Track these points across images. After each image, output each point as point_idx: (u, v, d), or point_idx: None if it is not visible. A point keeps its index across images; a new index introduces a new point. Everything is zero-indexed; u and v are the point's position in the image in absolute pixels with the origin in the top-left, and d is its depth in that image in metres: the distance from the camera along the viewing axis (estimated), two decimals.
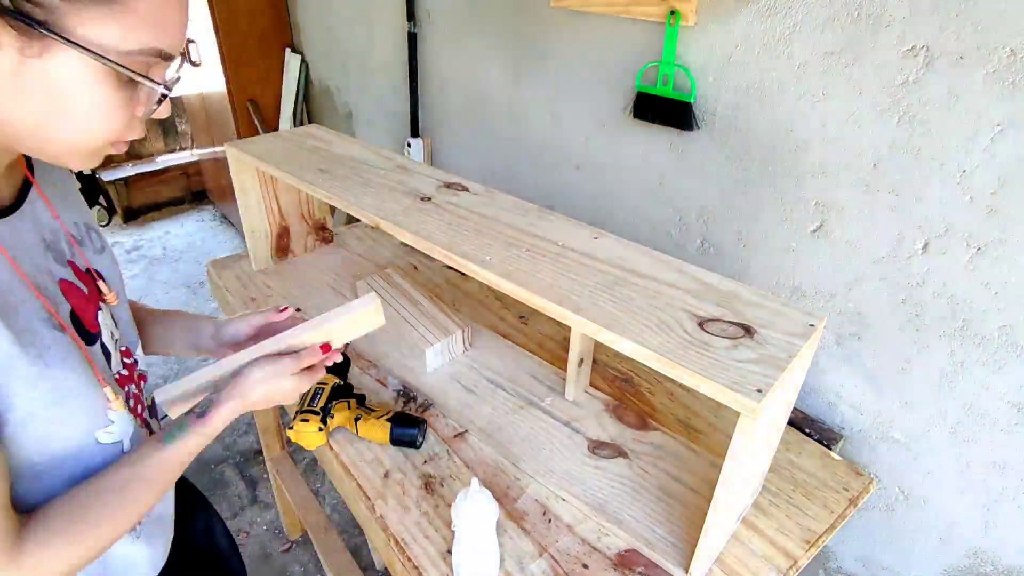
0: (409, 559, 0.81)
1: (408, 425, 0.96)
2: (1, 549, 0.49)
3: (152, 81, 0.50)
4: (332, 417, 0.98)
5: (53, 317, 0.56)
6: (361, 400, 1.03)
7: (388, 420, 0.96)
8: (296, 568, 1.80)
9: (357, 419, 0.97)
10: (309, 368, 0.73)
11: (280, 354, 0.71)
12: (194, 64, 0.56)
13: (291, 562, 1.81)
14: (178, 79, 0.54)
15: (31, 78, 0.46)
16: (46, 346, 0.53)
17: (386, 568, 1.71)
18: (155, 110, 0.54)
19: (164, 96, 0.53)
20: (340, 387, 1.01)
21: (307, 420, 0.95)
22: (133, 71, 0.48)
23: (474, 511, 0.72)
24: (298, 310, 0.85)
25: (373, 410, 0.99)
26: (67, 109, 0.48)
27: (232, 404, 0.66)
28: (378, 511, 0.88)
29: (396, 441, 0.96)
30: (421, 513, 0.87)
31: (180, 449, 0.62)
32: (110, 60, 0.46)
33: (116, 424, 0.62)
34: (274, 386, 0.68)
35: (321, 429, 0.95)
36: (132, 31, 0.47)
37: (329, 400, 0.98)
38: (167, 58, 0.51)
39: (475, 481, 0.72)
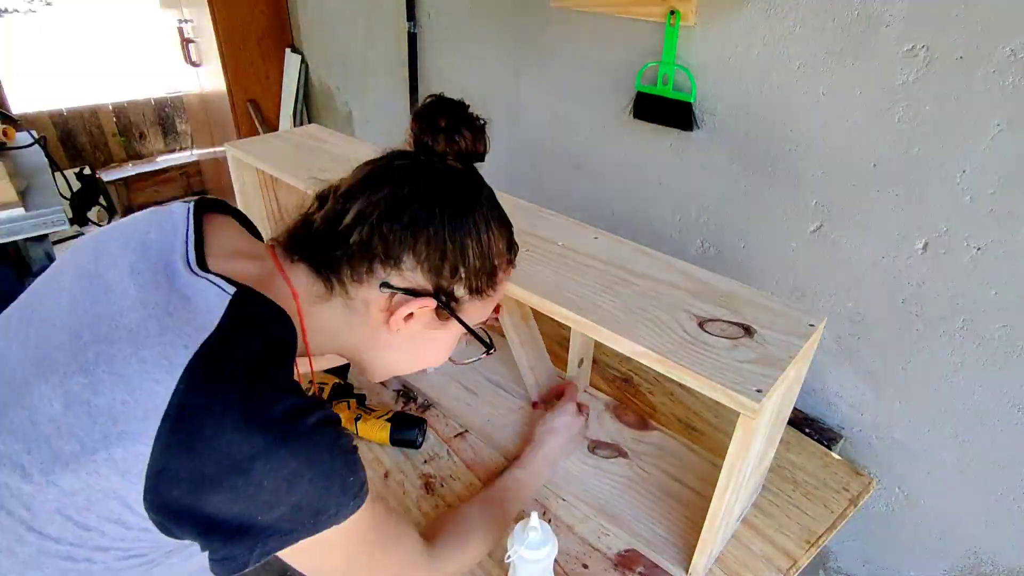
0: None
1: (408, 425, 0.96)
2: (420, 560, 0.66)
3: (487, 345, 0.71)
4: None
5: None
6: (361, 400, 1.03)
7: (388, 420, 0.96)
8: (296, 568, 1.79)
9: (357, 419, 0.97)
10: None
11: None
12: (491, 352, 0.74)
13: None
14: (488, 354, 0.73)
15: (426, 336, 0.65)
16: None
17: None
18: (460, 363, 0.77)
19: (492, 348, 0.72)
20: (340, 387, 1.01)
21: None
22: (486, 341, 0.70)
23: (533, 545, 0.70)
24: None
25: (373, 410, 0.99)
26: (426, 357, 0.70)
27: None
28: None
29: (396, 441, 0.96)
30: (421, 513, 0.87)
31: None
32: (473, 331, 0.66)
33: None
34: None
35: None
36: (489, 307, 0.68)
37: (329, 400, 0.98)
38: (484, 343, 0.71)
39: (534, 515, 0.70)
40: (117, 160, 3.80)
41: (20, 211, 1.58)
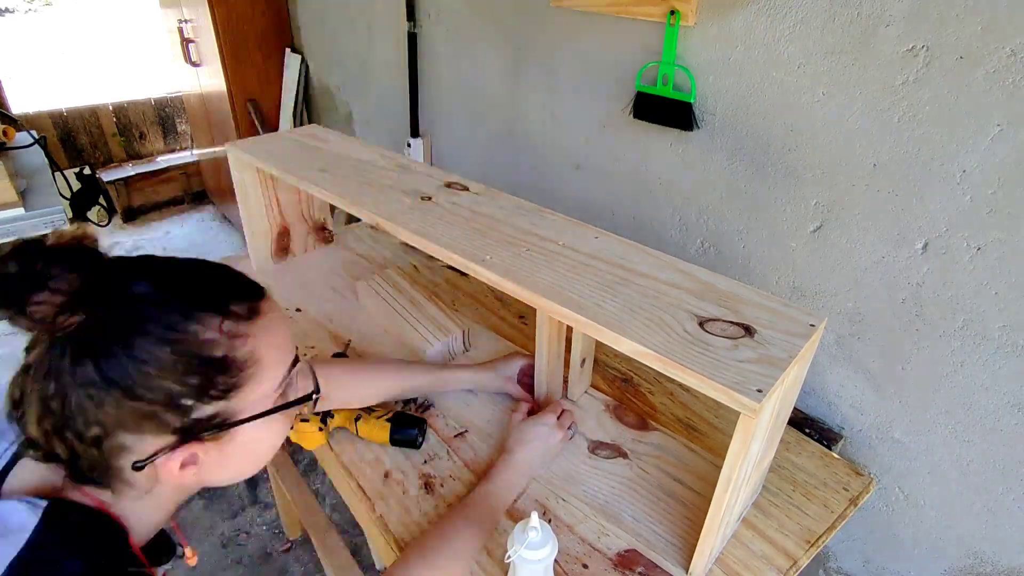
0: None
1: (408, 425, 0.96)
2: None
3: (307, 398, 0.63)
4: (332, 417, 0.98)
5: None
6: None
7: (388, 420, 0.96)
8: (296, 568, 1.80)
9: (357, 419, 0.97)
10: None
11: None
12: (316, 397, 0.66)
13: (291, 562, 1.81)
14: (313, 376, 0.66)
15: (230, 451, 0.56)
16: None
17: (386, 568, 1.70)
18: (314, 405, 0.66)
19: (317, 394, 0.65)
20: None
21: (307, 420, 0.95)
22: (291, 403, 0.61)
23: (533, 545, 0.69)
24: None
25: (373, 410, 0.99)
26: (259, 452, 0.61)
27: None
28: (378, 511, 0.88)
29: (396, 441, 0.96)
30: (421, 513, 0.87)
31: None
32: (273, 409, 0.58)
33: None
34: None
35: (321, 429, 0.95)
36: (271, 376, 0.57)
37: None
38: (295, 363, 0.62)
39: (534, 515, 0.70)
40: (117, 160, 3.80)
41: (20, 211, 1.58)
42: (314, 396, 0.64)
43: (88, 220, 2.23)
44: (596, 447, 0.97)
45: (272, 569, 1.79)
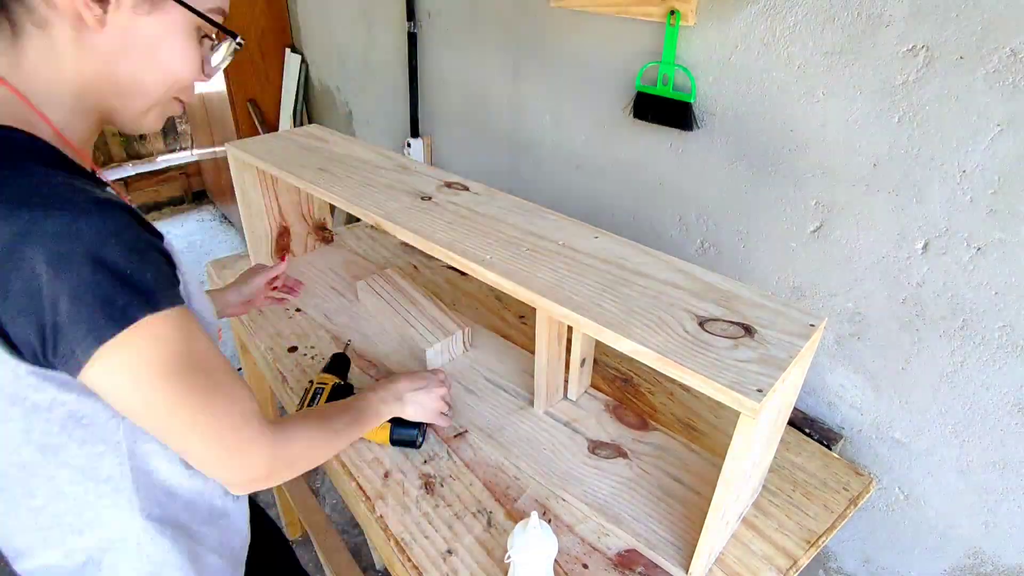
0: (409, 559, 0.81)
1: (408, 425, 0.96)
2: (260, 424, 0.60)
3: (228, 32, 0.64)
4: None
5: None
6: None
7: (388, 421, 0.96)
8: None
9: None
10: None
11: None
12: (239, 44, 0.68)
13: None
14: (239, 46, 0.67)
15: (135, 34, 0.57)
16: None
17: (386, 568, 1.70)
18: (213, 68, 0.66)
19: (239, 47, 0.66)
20: (340, 387, 1.01)
21: None
22: (215, 23, 0.62)
23: (533, 545, 0.69)
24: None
25: None
26: (159, 58, 0.59)
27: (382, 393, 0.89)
28: (378, 511, 0.88)
29: (396, 441, 0.96)
30: (421, 513, 0.87)
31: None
32: (201, 14, 0.59)
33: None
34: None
35: None
36: (203, 3, 0.60)
37: (329, 400, 0.98)
38: (220, 27, 0.64)
39: (534, 515, 0.70)
40: (117, 160, 3.80)
41: None
42: (237, 41, 0.66)
43: None
44: (596, 447, 0.97)
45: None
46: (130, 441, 0.60)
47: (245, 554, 0.80)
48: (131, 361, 0.51)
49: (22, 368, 0.51)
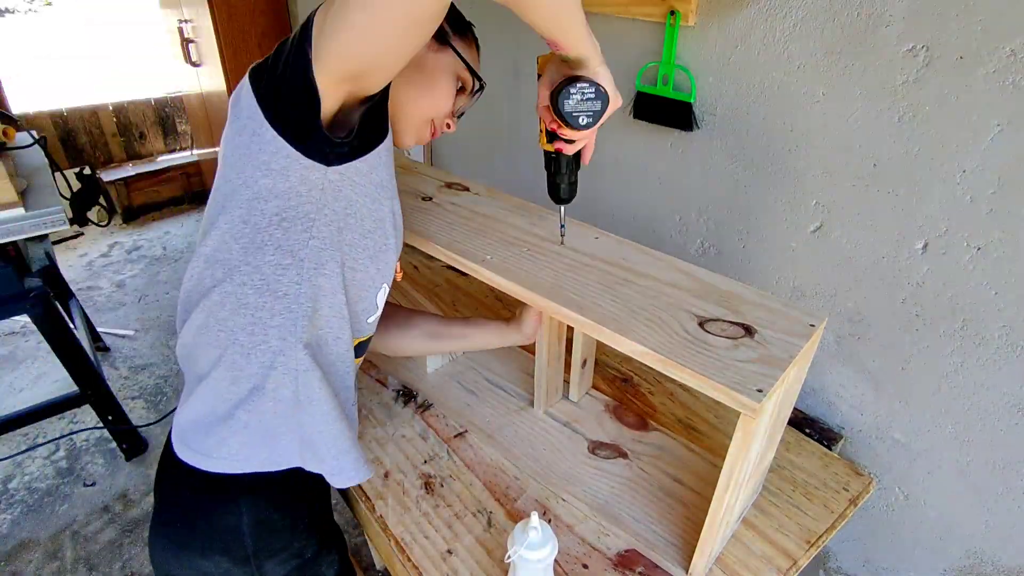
0: (409, 559, 0.81)
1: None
2: None
3: (477, 78, 0.81)
4: None
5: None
6: None
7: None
8: None
9: None
10: None
11: None
12: (482, 88, 0.85)
13: None
14: (481, 91, 0.84)
15: (423, 65, 0.75)
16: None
17: (386, 568, 1.70)
18: (460, 111, 0.85)
19: (479, 90, 0.84)
20: None
21: None
22: (475, 75, 0.80)
23: (533, 545, 0.70)
24: None
25: None
26: (432, 88, 0.77)
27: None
28: (378, 511, 0.88)
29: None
30: (421, 513, 0.87)
31: None
32: (469, 66, 0.79)
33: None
34: None
35: None
36: (473, 59, 0.80)
37: None
38: (476, 78, 0.82)
39: (534, 515, 0.70)
40: (117, 160, 3.80)
41: (20, 211, 1.57)
42: (478, 87, 0.83)
43: (88, 221, 2.23)
44: (596, 447, 0.97)
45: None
46: (311, 264, 0.67)
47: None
48: None
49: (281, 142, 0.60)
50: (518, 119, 1.56)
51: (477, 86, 0.82)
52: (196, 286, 0.71)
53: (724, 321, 0.69)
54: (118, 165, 3.76)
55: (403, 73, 0.67)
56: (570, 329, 0.98)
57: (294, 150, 0.60)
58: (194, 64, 2.93)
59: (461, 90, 0.82)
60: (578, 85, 0.68)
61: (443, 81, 0.78)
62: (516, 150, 1.61)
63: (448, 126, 0.83)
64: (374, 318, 0.81)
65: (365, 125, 0.65)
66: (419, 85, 0.76)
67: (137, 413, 2.16)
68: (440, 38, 0.76)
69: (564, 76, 0.70)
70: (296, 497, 0.80)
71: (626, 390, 1.11)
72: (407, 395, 1.08)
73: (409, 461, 0.95)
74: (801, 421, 1.08)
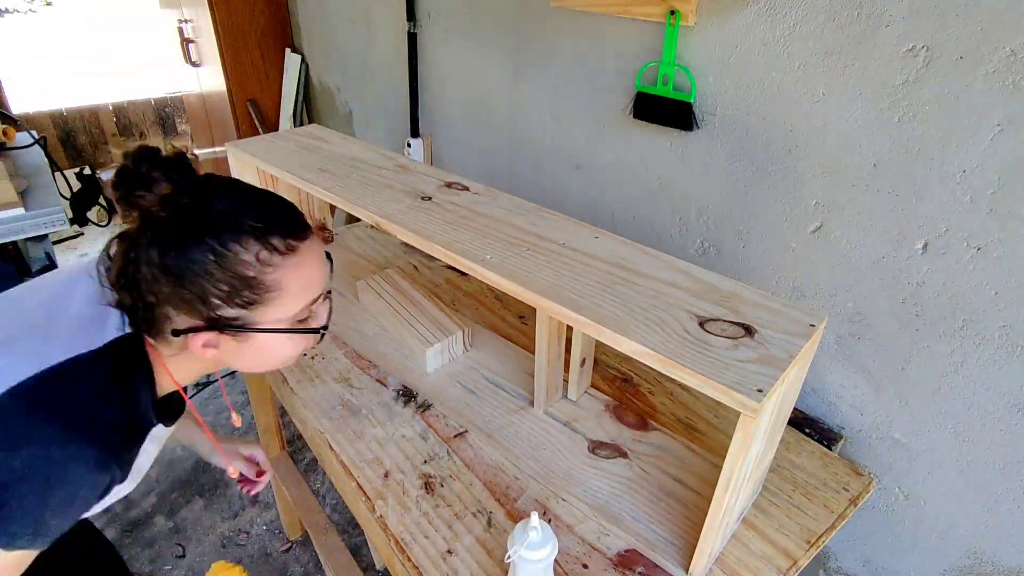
0: (409, 559, 0.81)
1: None
2: None
3: (315, 331, 0.75)
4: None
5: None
6: None
7: None
8: (296, 568, 1.80)
9: None
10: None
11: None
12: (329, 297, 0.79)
13: (291, 562, 1.81)
14: (329, 314, 0.79)
15: (244, 348, 0.71)
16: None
17: (386, 568, 1.70)
18: (319, 340, 0.79)
19: (323, 331, 0.77)
20: None
21: None
22: (302, 330, 0.73)
23: (533, 545, 0.69)
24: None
25: None
26: (270, 357, 0.74)
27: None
28: (378, 511, 0.88)
29: None
30: (421, 513, 0.87)
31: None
32: (285, 329, 0.71)
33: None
34: None
35: None
36: (294, 303, 0.70)
37: None
38: (324, 298, 0.76)
39: (534, 515, 0.70)
40: (117, 160, 3.79)
41: (20, 211, 1.58)
42: (321, 332, 0.76)
43: (88, 220, 2.23)
44: (596, 447, 0.97)
45: (272, 569, 1.79)
46: None
47: None
48: None
49: None
50: (518, 119, 1.56)
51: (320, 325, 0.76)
52: None
53: (724, 321, 0.69)
54: (118, 165, 3.76)
55: (232, 356, 0.72)
56: (570, 329, 0.98)
57: None
58: (194, 64, 2.94)
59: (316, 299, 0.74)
60: None
61: (277, 347, 0.73)
62: (516, 150, 1.61)
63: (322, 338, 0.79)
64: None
65: None
66: (254, 359, 0.74)
67: None
68: (230, 331, 0.69)
69: None
70: None
71: (626, 390, 1.11)
72: (407, 395, 1.08)
73: (409, 461, 0.95)
74: (801, 421, 1.08)
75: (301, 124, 2.86)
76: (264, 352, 0.72)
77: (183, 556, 1.79)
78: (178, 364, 0.74)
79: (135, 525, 1.85)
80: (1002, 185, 0.79)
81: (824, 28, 0.90)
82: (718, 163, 1.12)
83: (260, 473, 1.12)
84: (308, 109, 2.89)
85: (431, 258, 1.51)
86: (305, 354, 1.24)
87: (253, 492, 1.11)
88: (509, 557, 0.71)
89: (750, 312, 0.71)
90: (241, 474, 1.11)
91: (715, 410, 1.06)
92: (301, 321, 0.73)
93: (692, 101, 1.10)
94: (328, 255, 0.77)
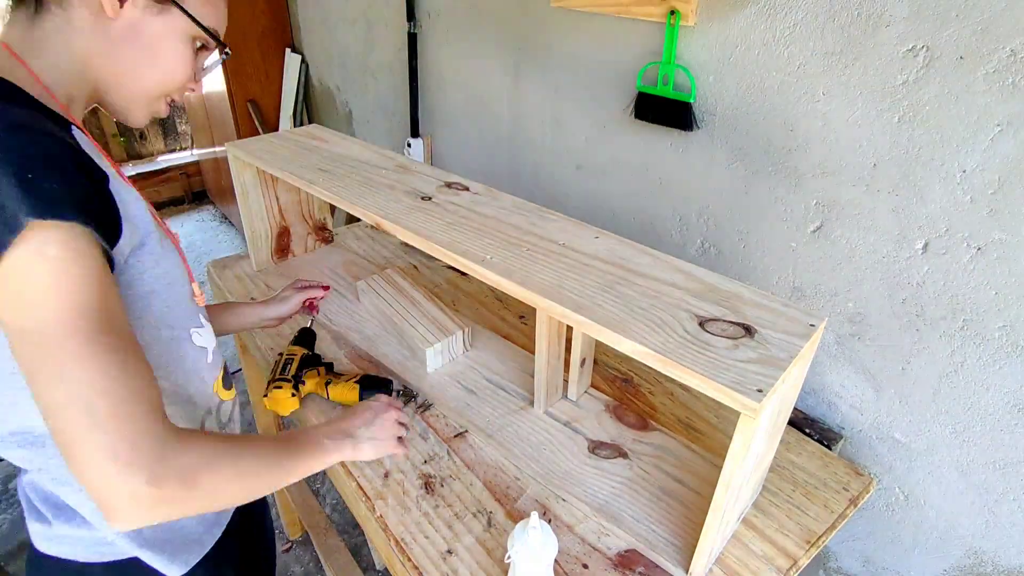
0: (409, 559, 0.81)
1: (376, 386, 1.02)
2: (151, 450, 0.50)
3: (219, 43, 0.70)
4: (303, 384, 1.02)
5: (156, 219, 0.68)
6: (329, 367, 1.08)
7: (357, 383, 1.02)
8: (296, 568, 1.80)
9: (327, 383, 1.03)
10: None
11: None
12: (227, 54, 0.74)
13: (291, 562, 1.81)
14: (226, 56, 0.74)
15: (142, 30, 0.63)
16: (162, 234, 0.67)
17: (386, 568, 1.71)
18: (203, 74, 0.73)
19: (225, 57, 0.73)
20: (309, 357, 1.06)
21: (280, 387, 0.99)
22: (212, 36, 0.68)
23: (533, 545, 0.69)
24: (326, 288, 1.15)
25: (341, 375, 1.05)
26: (158, 56, 0.66)
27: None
28: (378, 511, 0.88)
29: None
30: (421, 513, 0.87)
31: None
32: (202, 26, 0.66)
33: (205, 328, 0.74)
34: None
35: (294, 395, 1.00)
36: (211, 13, 0.68)
37: (300, 369, 1.03)
38: (215, 39, 0.70)
39: (534, 515, 0.70)
40: (117, 160, 3.79)
41: None
42: (226, 56, 0.73)
43: None
44: (596, 447, 0.97)
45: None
46: None
47: None
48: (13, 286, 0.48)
49: None
50: (518, 119, 1.56)
51: (218, 49, 0.71)
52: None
53: (724, 321, 0.69)
54: (118, 165, 3.77)
55: (117, 45, 0.62)
56: (570, 329, 0.98)
57: None
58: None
59: (203, 47, 0.70)
60: None
61: (171, 49, 0.66)
62: (516, 150, 1.61)
63: (192, 90, 0.73)
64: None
65: None
66: (140, 59, 0.65)
67: None
68: None
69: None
70: None
71: (626, 390, 1.11)
72: (407, 395, 1.08)
73: (409, 461, 0.95)
74: (801, 421, 1.08)
75: (301, 124, 2.86)
76: (169, 48, 0.65)
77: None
78: (57, 52, 0.61)
79: None
80: (1002, 185, 0.79)
81: (824, 28, 0.90)
82: (718, 163, 1.12)
83: (310, 289, 1.11)
84: (308, 109, 2.89)
85: (431, 258, 1.51)
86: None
87: (320, 301, 1.13)
88: (509, 557, 0.71)
89: (750, 312, 0.71)
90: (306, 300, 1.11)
91: (715, 410, 1.06)
92: (202, 49, 0.69)
93: (692, 101, 1.10)
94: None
